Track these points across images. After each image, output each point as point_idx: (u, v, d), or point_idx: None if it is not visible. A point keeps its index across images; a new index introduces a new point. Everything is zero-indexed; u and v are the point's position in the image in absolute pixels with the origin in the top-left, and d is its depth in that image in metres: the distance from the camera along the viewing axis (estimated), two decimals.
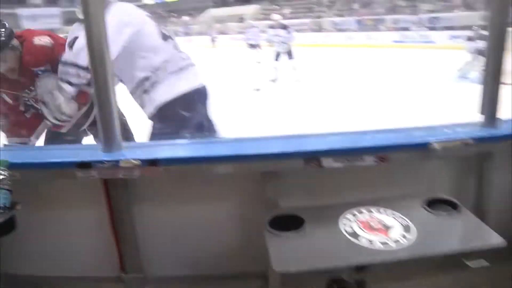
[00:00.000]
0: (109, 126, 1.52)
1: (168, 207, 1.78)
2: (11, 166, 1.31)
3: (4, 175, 1.27)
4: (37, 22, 39.46)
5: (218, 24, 30.02)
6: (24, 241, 1.70)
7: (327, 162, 1.53)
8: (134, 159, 1.48)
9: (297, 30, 13.62)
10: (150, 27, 2.07)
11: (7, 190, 1.27)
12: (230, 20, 29.83)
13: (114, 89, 1.50)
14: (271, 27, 10.84)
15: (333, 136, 1.74)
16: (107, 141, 1.54)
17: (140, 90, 2.06)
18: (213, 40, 25.10)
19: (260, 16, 27.90)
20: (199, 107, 2.18)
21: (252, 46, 12.11)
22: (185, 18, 34.30)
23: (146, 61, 2.02)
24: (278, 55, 10.33)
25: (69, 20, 41.25)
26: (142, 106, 2.12)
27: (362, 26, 23.47)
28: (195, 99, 2.14)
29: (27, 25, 38.15)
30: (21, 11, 39.34)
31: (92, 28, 1.41)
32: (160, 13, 38.53)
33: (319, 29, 25.26)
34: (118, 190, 1.66)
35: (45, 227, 1.77)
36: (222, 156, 1.57)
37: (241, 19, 29.06)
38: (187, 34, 28.88)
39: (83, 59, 1.79)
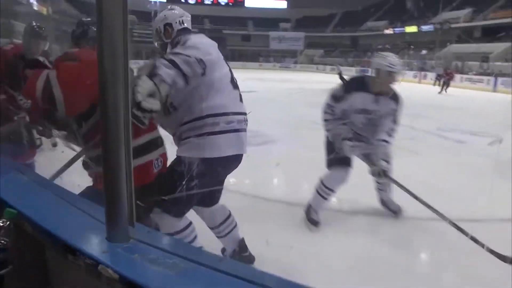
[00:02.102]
0: (114, 201, 0.90)
1: None
2: None
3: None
4: (283, 43, 45.76)
5: (458, 61, 29.24)
6: None
7: None
8: (114, 271, 0.85)
9: None
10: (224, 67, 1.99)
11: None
12: (472, 58, 28.82)
13: (130, 143, 0.90)
14: None
15: None
16: (111, 224, 0.93)
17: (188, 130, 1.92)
18: (437, 79, 22.70)
19: (509, 56, 25.81)
20: (224, 175, 2.14)
21: None
22: (423, 51, 34.51)
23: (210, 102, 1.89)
24: None
25: (310, 44, 46.41)
26: (180, 144, 1.97)
27: None
28: (230, 166, 2.07)
29: (273, 45, 44.90)
30: (272, 33, 45.87)
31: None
32: (397, 44, 39.73)
33: None
34: None
35: None
36: None
37: (485, 58, 27.82)
38: (421, 68, 29.17)
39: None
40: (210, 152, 1.89)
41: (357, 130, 3.22)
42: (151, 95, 1.59)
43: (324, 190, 3.21)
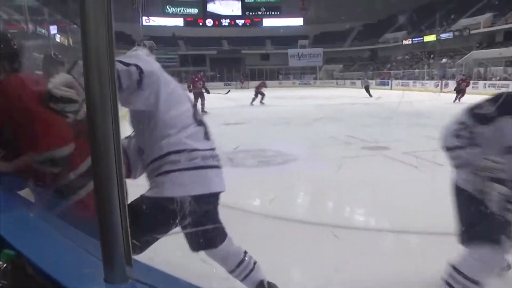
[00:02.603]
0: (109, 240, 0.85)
1: None
2: None
3: None
4: (302, 60, 45.92)
5: (480, 67, 28.80)
6: None
7: None
8: None
9: None
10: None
11: None
12: (495, 63, 28.22)
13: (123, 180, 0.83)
14: None
15: None
16: (107, 264, 0.86)
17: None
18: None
19: None
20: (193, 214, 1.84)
21: None
22: (444, 60, 33.95)
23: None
24: None
25: (329, 59, 46.43)
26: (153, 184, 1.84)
27: None
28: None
29: (291, 62, 45.07)
30: (290, 51, 46.07)
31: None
32: (417, 54, 39.31)
33: None
34: None
35: None
36: None
37: (509, 62, 27.20)
38: (443, 77, 28.69)
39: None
40: (171, 191, 1.77)
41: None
42: (66, 85, 1.52)
43: (463, 283, 2.01)
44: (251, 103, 16.95)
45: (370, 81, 37.97)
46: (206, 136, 1.94)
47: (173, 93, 1.84)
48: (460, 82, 18.02)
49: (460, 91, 17.35)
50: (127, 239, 0.86)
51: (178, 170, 1.79)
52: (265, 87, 18.07)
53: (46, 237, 1.20)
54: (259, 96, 17.35)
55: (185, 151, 1.81)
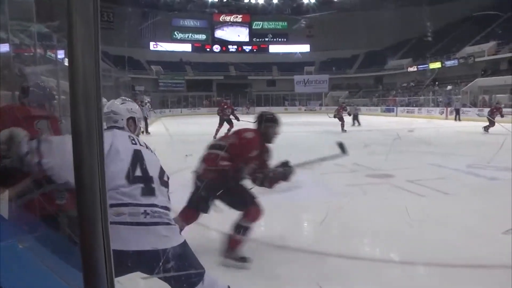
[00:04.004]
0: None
1: None
2: None
3: None
4: (308, 86, 46.26)
5: (484, 95, 28.91)
6: None
7: None
8: None
9: None
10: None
11: None
12: (500, 91, 28.32)
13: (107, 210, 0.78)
14: None
15: None
16: None
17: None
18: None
19: None
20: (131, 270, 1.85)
21: None
22: (449, 87, 34.14)
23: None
24: None
25: (334, 85, 46.80)
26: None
27: None
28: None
29: (297, 88, 45.40)
30: (296, 77, 46.50)
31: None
32: (422, 81, 39.51)
33: None
34: None
35: None
36: None
37: None
38: (448, 104, 28.70)
39: None
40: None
41: None
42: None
43: None
44: None
45: (376, 108, 38.08)
46: (150, 192, 1.94)
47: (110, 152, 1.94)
48: (495, 110, 16.16)
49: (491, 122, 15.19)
50: (111, 280, 0.82)
51: (119, 224, 1.81)
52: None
53: (35, 275, 1.16)
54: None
55: (125, 206, 1.84)
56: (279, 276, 2.96)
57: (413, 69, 40.32)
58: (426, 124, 20.46)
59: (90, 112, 0.73)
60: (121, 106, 2.22)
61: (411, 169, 7.24)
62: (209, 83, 46.71)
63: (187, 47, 50.74)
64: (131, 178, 1.91)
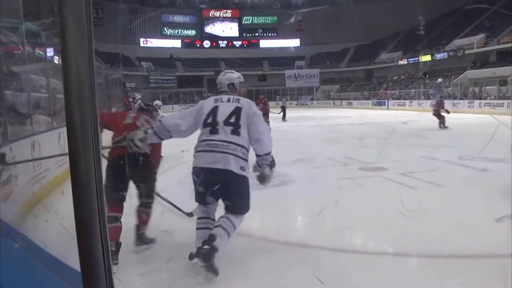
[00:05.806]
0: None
1: None
2: None
3: None
4: (299, 81, 46.30)
5: (474, 87, 29.12)
6: None
7: None
8: None
9: None
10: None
11: None
12: (489, 83, 28.58)
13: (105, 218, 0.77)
14: None
15: None
16: None
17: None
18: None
19: None
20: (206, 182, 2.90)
21: None
22: (439, 79, 34.30)
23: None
24: None
25: (325, 80, 46.93)
26: None
27: None
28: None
29: (288, 83, 45.42)
30: (287, 72, 46.52)
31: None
32: (412, 74, 39.72)
33: None
34: None
35: None
36: None
37: (502, 81, 27.55)
38: (442, 97, 28.51)
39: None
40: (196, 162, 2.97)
41: None
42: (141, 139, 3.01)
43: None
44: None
45: (367, 101, 38.19)
46: (212, 132, 2.94)
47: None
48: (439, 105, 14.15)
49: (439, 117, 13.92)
50: (109, 272, 0.82)
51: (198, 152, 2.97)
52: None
53: (31, 274, 1.14)
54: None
55: (202, 141, 2.96)
56: (274, 270, 2.97)
57: (403, 62, 40.49)
58: (418, 116, 20.56)
59: (85, 109, 0.73)
60: (221, 77, 3.31)
61: (403, 162, 7.28)
62: (200, 79, 46.53)
63: (177, 43, 50.48)
64: (205, 124, 2.98)
